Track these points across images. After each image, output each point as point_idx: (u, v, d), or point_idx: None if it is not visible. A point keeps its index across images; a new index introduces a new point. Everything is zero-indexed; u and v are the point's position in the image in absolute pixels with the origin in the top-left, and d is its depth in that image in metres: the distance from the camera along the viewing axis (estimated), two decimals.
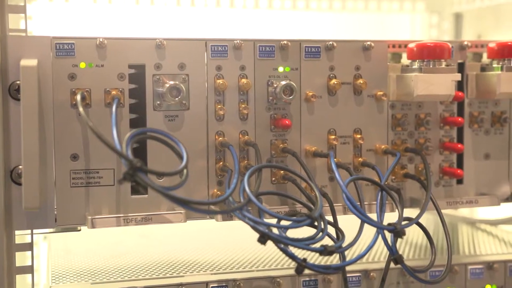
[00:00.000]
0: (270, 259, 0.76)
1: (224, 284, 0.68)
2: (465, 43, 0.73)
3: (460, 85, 0.73)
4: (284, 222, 0.60)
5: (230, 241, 0.85)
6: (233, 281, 0.68)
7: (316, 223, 0.60)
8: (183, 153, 0.57)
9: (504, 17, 1.15)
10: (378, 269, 0.71)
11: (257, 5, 1.05)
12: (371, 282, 0.71)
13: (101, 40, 0.63)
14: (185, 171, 0.57)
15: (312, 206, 0.64)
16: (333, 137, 0.70)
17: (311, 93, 0.69)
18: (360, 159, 0.70)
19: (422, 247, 0.82)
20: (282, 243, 0.57)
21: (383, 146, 0.71)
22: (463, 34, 1.17)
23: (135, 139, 0.56)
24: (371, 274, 0.71)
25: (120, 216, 0.63)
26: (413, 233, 0.88)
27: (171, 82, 0.64)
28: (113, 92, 0.63)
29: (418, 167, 0.72)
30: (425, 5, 1.16)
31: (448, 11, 1.17)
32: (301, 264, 0.57)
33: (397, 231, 0.59)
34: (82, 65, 0.63)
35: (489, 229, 0.93)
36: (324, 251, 0.57)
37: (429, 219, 0.95)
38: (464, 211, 1.09)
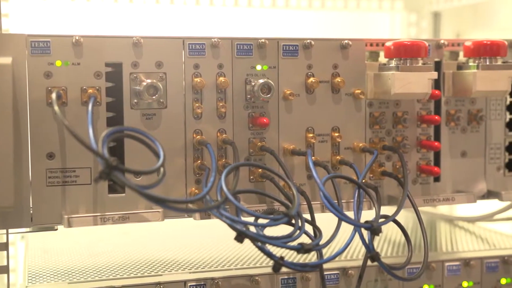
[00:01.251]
0: (249, 257, 0.76)
1: (202, 283, 0.68)
2: (442, 41, 0.73)
3: (437, 84, 0.73)
4: (261, 221, 0.60)
5: (209, 240, 0.85)
6: (211, 279, 0.68)
7: (293, 221, 0.60)
8: (160, 152, 0.57)
9: (482, 16, 1.16)
10: (356, 267, 0.71)
11: (237, 3, 1.05)
12: (349, 280, 0.72)
13: (77, 38, 0.62)
14: (162, 169, 0.56)
15: (290, 204, 0.64)
16: (311, 135, 0.70)
17: (289, 91, 0.69)
18: (338, 157, 0.71)
19: (401, 245, 0.82)
20: (259, 241, 0.57)
21: (360, 144, 0.71)
22: (441, 33, 1.17)
23: (111, 137, 0.56)
24: (349, 271, 0.71)
25: (97, 215, 0.63)
26: (392, 231, 0.88)
27: (148, 81, 0.64)
28: (90, 91, 0.63)
29: (396, 165, 0.73)
30: (404, 3, 1.16)
31: (427, 10, 1.17)
32: (278, 262, 0.57)
33: (374, 228, 0.60)
34: (58, 63, 0.62)
35: (467, 226, 0.94)
36: (301, 249, 0.57)
37: (407, 216, 0.96)
38: (443, 209, 1.10)
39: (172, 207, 0.55)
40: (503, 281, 0.77)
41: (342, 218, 0.60)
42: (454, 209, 1.16)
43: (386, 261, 0.65)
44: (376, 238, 0.84)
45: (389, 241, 0.85)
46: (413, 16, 1.19)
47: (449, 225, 0.96)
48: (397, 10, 1.17)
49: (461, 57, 0.74)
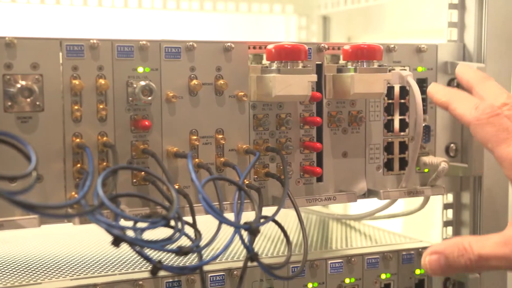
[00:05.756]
0: (134, 261, 0.75)
1: None
2: (322, 45, 0.75)
3: (319, 86, 0.75)
4: (141, 224, 0.59)
5: (92, 244, 0.84)
6: (93, 285, 0.67)
7: (173, 224, 0.60)
8: (31, 155, 0.55)
9: (372, 19, 1.20)
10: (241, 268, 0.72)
11: (127, 4, 1.04)
12: (235, 281, 0.72)
13: None
14: (33, 173, 0.55)
15: None
16: (195, 137, 0.70)
17: (171, 94, 0.68)
18: (222, 159, 0.71)
19: (298, 245, 0.83)
20: (137, 245, 0.57)
21: (244, 146, 0.72)
22: (332, 36, 1.20)
23: None
24: (235, 272, 0.72)
25: None
26: (289, 231, 0.89)
27: (23, 83, 0.62)
28: None
29: (280, 166, 0.74)
30: (294, 7, 1.19)
31: (316, 14, 1.20)
32: (156, 266, 0.56)
33: (252, 229, 0.61)
34: None
35: (353, 224, 0.97)
36: (180, 251, 0.57)
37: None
38: (336, 208, 1.13)
39: (43, 212, 0.53)
40: (383, 276, 0.79)
41: (221, 219, 0.60)
42: (348, 208, 1.20)
43: (274, 261, 0.66)
44: (273, 238, 0.86)
45: (284, 241, 0.85)
46: (303, 20, 1.21)
47: (339, 223, 0.98)
48: (288, 14, 1.19)
49: (342, 61, 0.77)
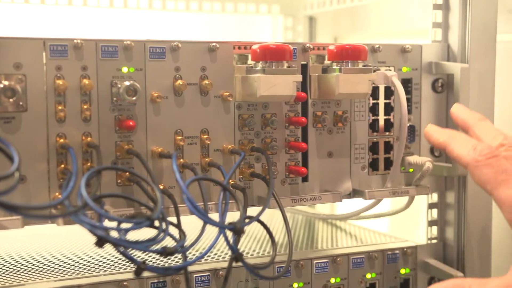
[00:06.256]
0: (119, 262, 0.75)
1: None
2: (307, 45, 0.75)
3: (304, 86, 0.75)
4: (125, 225, 0.59)
5: (75, 245, 0.83)
6: (77, 286, 0.66)
7: (157, 224, 0.60)
8: (14, 156, 0.55)
9: (358, 20, 1.21)
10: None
11: (112, 4, 1.03)
12: (220, 281, 0.72)
13: None
14: (16, 174, 0.54)
15: None
16: (179, 137, 0.70)
17: (156, 94, 0.68)
18: (207, 159, 0.71)
19: (283, 245, 0.83)
20: (121, 245, 0.56)
21: (229, 146, 0.72)
22: (318, 37, 1.21)
23: None
24: (220, 272, 0.72)
25: None
26: (275, 231, 0.89)
27: (6, 83, 0.61)
28: None
29: (265, 166, 0.74)
30: (280, 8, 1.19)
31: (302, 14, 1.20)
32: (140, 267, 0.56)
33: (237, 229, 0.60)
34: None
35: (339, 224, 0.97)
36: (164, 252, 0.57)
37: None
38: (324, 208, 1.13)
39: (26, 213, 0.53)
40: (368, 275, 0.80)
41: (205, 220, 0.60)
42: (334, 208, 1.20)
43: (260, 261, 0.66)
44: (258, 238, 0.86)
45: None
46: (289, 20, 1.21)
47: (325, 223, 0.98)
48: (274, 14, 1.20)
49: (327, 61, 0.77)
